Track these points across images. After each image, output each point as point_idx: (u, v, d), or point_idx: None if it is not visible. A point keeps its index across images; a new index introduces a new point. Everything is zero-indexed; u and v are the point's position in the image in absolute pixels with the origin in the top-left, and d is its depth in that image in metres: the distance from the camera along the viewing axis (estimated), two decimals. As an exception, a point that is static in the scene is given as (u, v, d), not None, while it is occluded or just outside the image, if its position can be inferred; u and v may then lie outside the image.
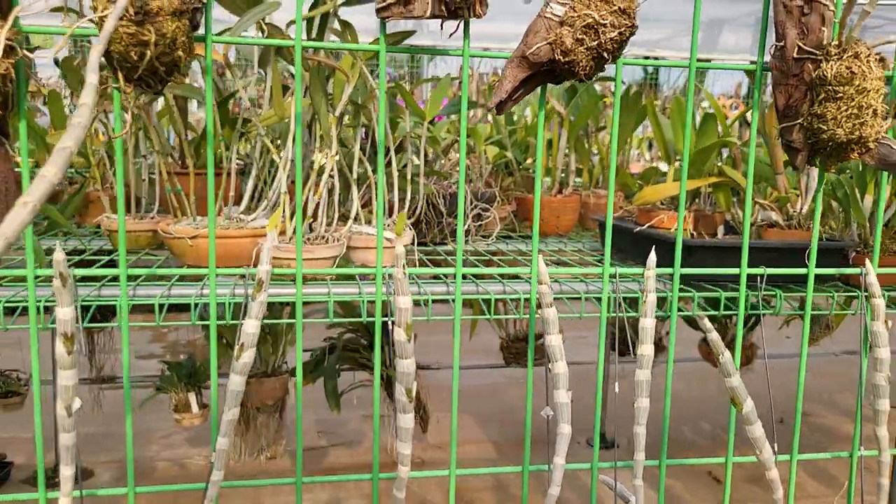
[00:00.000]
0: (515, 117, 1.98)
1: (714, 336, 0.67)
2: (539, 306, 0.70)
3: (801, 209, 1.17)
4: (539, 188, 0.75)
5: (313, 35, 1.17)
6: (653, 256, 0.72)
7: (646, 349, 0.70)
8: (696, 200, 1.31)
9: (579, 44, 0.58)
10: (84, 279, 1.07)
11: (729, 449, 0.84)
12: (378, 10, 0.62)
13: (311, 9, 1.15)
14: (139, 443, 2.09)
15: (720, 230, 1.27)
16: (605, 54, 0.60)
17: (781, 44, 0.65)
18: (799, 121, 0.65)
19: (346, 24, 1.10)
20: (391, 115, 1.43)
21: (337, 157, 1.34)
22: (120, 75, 0.51)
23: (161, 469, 1.97)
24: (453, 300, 1.13)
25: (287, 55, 1.19)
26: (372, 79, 1.22)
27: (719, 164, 1.33)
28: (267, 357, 1.83)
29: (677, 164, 1.31)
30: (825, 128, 0.63)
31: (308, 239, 1.11)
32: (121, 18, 0.46)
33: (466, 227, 1.50)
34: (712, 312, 1.13)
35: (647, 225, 1.21)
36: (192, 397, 1.86)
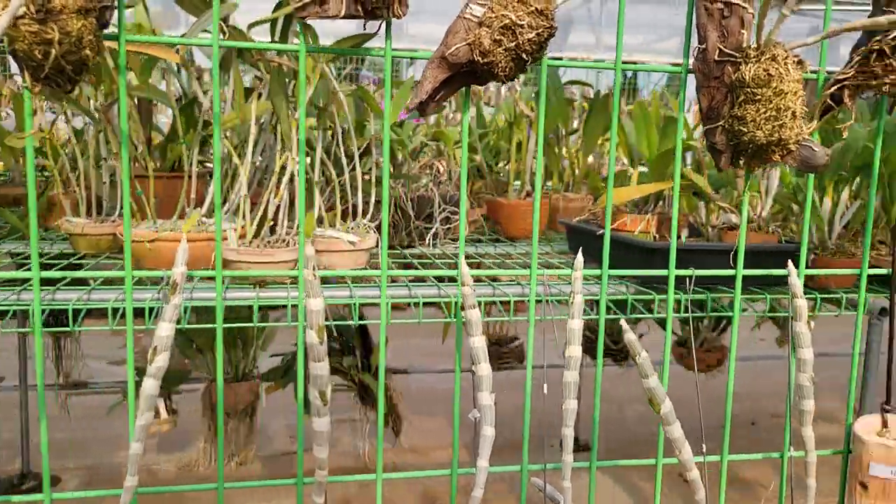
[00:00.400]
0: (487, 121, 1.98)
1: (631, 337, 0.67)
2: (464, 308, 0.70)
3: (761, 212, 1.18)
4: (465, 187, 0.75)
5: (276, 37, 1.16)
6: (580, 258, 0.72)
7: (573, 350, 0.70)
8: (661, 203, 1.31)
9: (497, 45, 0.58)
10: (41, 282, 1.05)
11: (659, 450, 0.84)
12: (296, 10, 0.62)
13: (274, 10, 1.14)
14: (108, 449, 2.07)
15: (684, 233, 1.28)
16: (525, 55, 0.60)
17: (703, 46, 0.66)
18: (721, 123, 0.65)
19: (306, 27, 1.09)
20: (358, 118, 1.42)
21: (306, 160, 1.33)
22: (27, 74, 0.50)
23: (130, 475, 1.94)
24: (416, 304, 1.13)
25: (248, 58, 1.18)
26: (336, 81, 1.22)
27: (687, 166, 1.34)
28: (237, 362, 1.82)
29: (641, 167, 1.32)
30: (745, 130, 0.64)
31: (268, 242, 1.11)
32: (23, 17, 0.46)
33: (434, 230, 1.50)
34: (669, 314, 1.14)
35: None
36: (161, 403, 1.84)
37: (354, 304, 1.05)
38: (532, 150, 1.64)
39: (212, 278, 1.17)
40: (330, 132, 1.31)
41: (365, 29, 0.65)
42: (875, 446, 0.83)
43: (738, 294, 0.84)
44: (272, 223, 1.12)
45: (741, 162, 0.67)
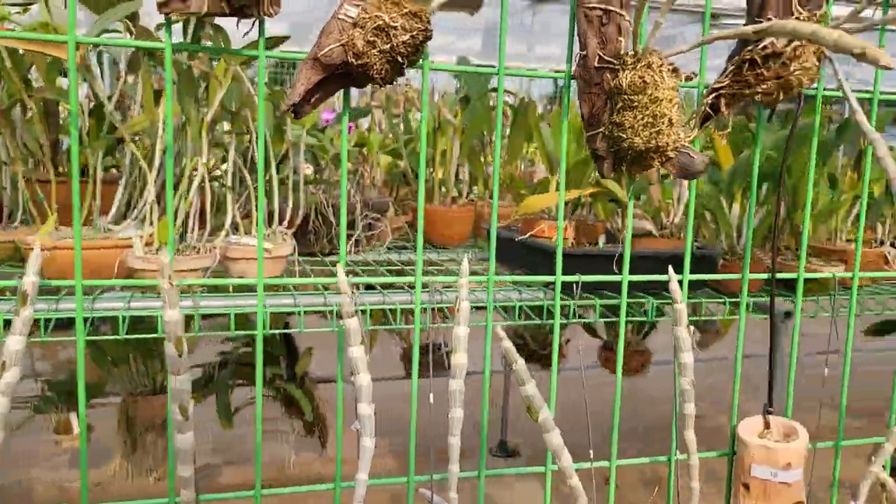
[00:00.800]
0: (414, 127, 1.98)
1: (507, 345, 0.66)
2: (340, 316, 0.68)
3: (673, 219, 1.21)
4: (345, 194, 0.74)
5: (188, 38, 1.13)
6: (465, 266, 0.71)
7: (459, 358, 0.69)
8: (579, 210, 1.33)
9: (371, 46, 0.58)
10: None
11: (548, 458, 0.85)
12: (159, 6, 0.60)
13: (185, 12, 1.11)
14: (20, 465, 1.97)
15: (601, 239, 1.29)
16: (400, 58, 0.59)
17: (584, 53, 0.66)
18: (601, 129, 0.66)
19: (217, 29, 1.07)
20: (277, 123, 1.39)
21: (221, 165, 1.30)
22: None
23: (40, 492, 1.86)
24: (330, 312, 1.11)
25: (159, 59, 1.14)
26: (251, 85, 1.19)
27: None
28: (154, 375, 1.76)
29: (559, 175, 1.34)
30: (624, 136, 0.65)
31: (178, 249, 1.07)
32: None
33: (357, 236, 1.48)
34: (597, 319, 1.15)
35: (528, 234, 1.22)
36: (74, 418, 1.77)
37: (266, 313, 1.03)
38: (456, 156, 1.64)
39: (114, 288, 1.12)
40: (247, 137, 1.28)
41: (238, 28, 0.63)
42: (756, 448, 0.85)
43: (623, 298, 0.85)
44: (181, 230, 1.09)
45: (623, 168, 0.68)
